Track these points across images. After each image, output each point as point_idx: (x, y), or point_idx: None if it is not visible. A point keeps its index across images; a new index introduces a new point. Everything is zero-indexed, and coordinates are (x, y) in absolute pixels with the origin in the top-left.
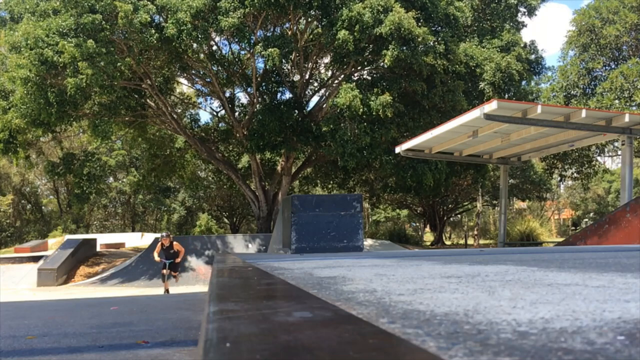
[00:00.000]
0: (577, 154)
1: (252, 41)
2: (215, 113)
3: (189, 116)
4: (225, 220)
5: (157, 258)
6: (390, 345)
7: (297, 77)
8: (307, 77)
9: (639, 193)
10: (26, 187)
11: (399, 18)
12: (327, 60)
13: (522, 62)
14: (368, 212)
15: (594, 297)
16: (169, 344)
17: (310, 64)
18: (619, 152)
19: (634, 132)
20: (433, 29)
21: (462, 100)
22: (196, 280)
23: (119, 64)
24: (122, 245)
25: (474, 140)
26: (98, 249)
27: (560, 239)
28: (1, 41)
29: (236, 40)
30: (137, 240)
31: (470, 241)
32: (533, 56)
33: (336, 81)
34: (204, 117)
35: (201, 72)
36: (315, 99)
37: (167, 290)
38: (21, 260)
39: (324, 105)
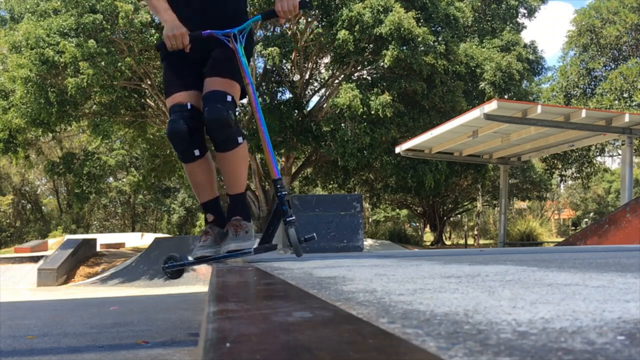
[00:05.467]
0: (577, 154)
1: None
2: None
3: None
4: None
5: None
6: (390, 345)
7: (297, 77)
8: (307, 77)
9: (639, 193)
10: (26, 187)
11: (399, 18)
12: (327, 60)
13: (523, 62)
14: (368, 212)
15: (594, 297)
16: (169, 344)
17: (310, 63)
18: (619, 152)
19: (634, 132)
20: (433, 29)
21: (461, 101)
22: (196, 280)
23: (119, 64)
24: (122, 245)
25: (474, 140)
26: (98, 249)
27: (560, 239)
28: (1, 41)
29: None
30: (137, 240)
31: (470, 241)
32: (533, 56)
33: (336, 81)
34: None
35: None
36: (315, 99)
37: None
38: (21, 260)
39: (324, 105)
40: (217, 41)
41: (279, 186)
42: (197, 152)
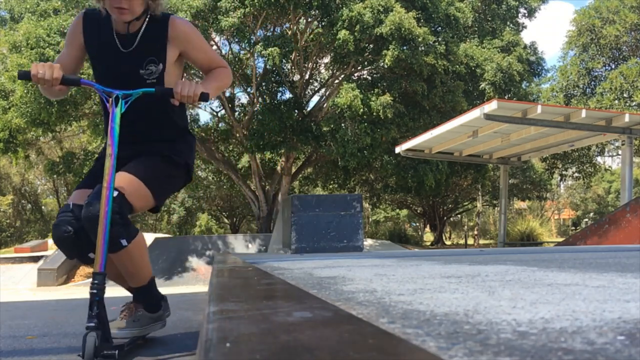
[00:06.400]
0: (577, 153)
1: (252, 41)
2: (215, 113)
3: (188, 116)
4: (225, 220)
5: None
6: (390, 345)
7: (297, 77)
8: (307, 77)
9: (639, 193)
10: (26, 187)
11: (399, 18)
12: (327, 60)
13: (523, 63)
14: (368, 212)
15: (594, 297)
16: (169, 344)
17: (310, 63)
18: (619, 152)
19: (634, 132)
20: (433, 29)
21: (462, 101)
22: (196, 280)
23: None
24: None
25: (474, 140)
26: None
27: (560, 239)
28: (1, 41)
29: (236, 40)
30: None
31: (470, 241)
32: (534, 57)
33: (336, 81)
34: (204, 117)
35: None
36: (315, 99)
37: None
38: (21, 260)
39: (324, 105)
40: (147, 143)
41: (95, 281)
42: (92, 255)
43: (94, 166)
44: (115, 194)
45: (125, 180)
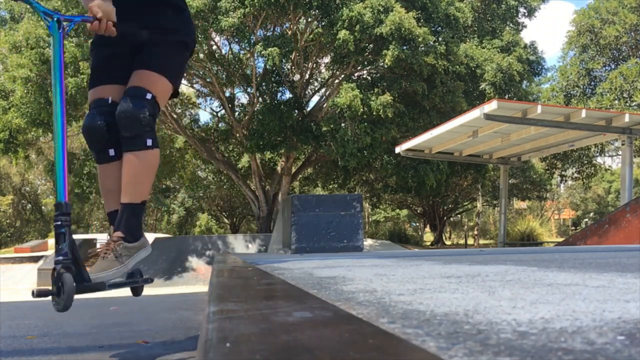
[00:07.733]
0: (577, 154)
1: (252, 41)
2: (215, 113)
3: (188, 116)
4: (225, 220)
5: None
6: (390, 345)
7: (297, 77)
8: (307, 77)
9: (639, 193)
10: (26, 187)
11: (399, 18)
12: (327, 60)
13: (523, 63)
14: (368, 212)
15: (594, 297)
16: (169, 344)
17: (310, 63)
18: (620, 152)
19: (634, 132)
20: (433, 29)
21: (462, 102)
22: (196, 280)
23: None
24: None
25: (474, 140)
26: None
27: (560, 239)
28: (1, 41)
29: (236, 40)
30: None
31: (470, 241)
32: (533, 57)
33: (336, 81)
34: (204, 117)
35: (201, 72)
36: (315, 99)
37: None
38: (21, 260)
39: (324, 105)
40: (154, 31)
41: (57, 213)
42: (111, 152)
43: (97, 58)
44: (150, 96)
45: (150, 79)
